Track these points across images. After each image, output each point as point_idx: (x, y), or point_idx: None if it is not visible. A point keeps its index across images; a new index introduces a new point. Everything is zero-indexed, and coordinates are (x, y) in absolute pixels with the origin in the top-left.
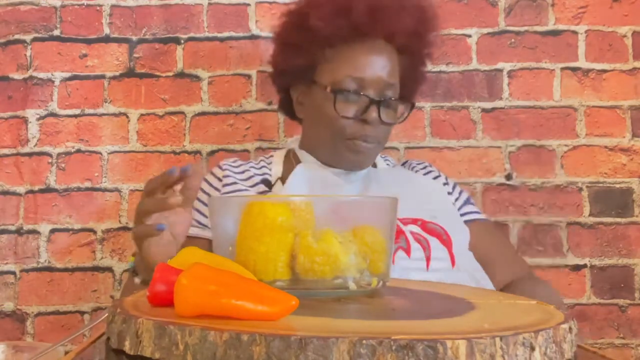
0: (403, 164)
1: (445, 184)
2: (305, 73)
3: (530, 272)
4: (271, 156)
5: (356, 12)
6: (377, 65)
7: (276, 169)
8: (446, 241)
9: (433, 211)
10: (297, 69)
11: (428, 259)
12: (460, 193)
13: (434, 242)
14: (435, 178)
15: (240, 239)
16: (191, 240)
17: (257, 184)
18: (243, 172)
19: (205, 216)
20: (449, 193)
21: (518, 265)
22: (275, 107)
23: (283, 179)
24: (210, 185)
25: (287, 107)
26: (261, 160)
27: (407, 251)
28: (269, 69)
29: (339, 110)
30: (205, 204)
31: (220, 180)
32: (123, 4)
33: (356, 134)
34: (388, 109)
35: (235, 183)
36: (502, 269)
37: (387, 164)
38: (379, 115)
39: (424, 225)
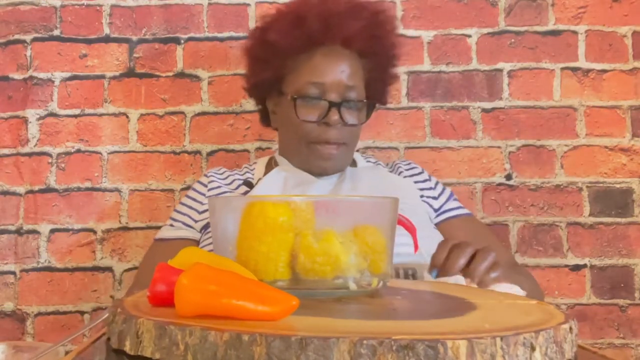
0: (387, 164)
1: (425, 180)
2: (274, 85)
3: (514, 263)
4: (255, 163)
5: (310, 22)
6: (336, 70)
7: (258, 172)
8: (410, 228)
9: (402, 207)
10: (266, 82)
11: None
12: (443, 190)
13: (398, 229)
14: (414, 175)
15: (240, 239)
16: (181, 243)
17: (239, 185)
18: (226, 177)
19: (192, 219)
20: (431, 188)
21: (501, 256)
22: None
23: None
24: (197, 191)
25: (266, 118)
26: (245, 167)
27: None
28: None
29: (300, 115)
30: (192, 208)
31: (205, 186)
32: (123, 4)
33: (319, 138)
34: (350, 111)
35: (219, 187)
36: None
37: (368, 163)
38: (341, 117)
39: None
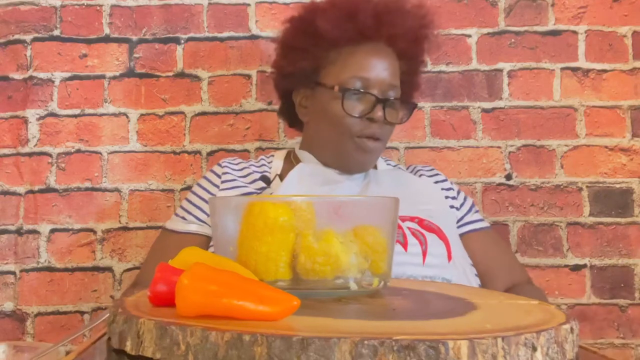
0: (407, 167)
1: (449, 188)
2: (309, 76)
3: (528, 278)
4: (272, 155)
5: (362, 16)
6: (381, 67)
7: (276, 166)
8: (443, 237)
9: (430, 211)
10: (301, 72)
11: (424, 254)
12: (465, 199)
13: (431, 237)
14: (438, 182)
15: (241, 239)
16: (192, 238)
17: (255, 180)
18: (242, 169)
19: (205, 213)
20: (454, 198)
21: (517, 272)
22: (275, 107)
23: (282, 176)
24: (210, 181)
25: (288, 112)
26: (261, 159)
27: (404, 245)
28: (269, 69)
29: (346, 109)
30: (204, 200)
31: (219, 177)
32: (123, 4)
33: (363, 132)
34: (391, 109)
35: (234, 180)
36: (504, 275)
37: (388, 165)
38: (384, 115)
39: (421, 222)
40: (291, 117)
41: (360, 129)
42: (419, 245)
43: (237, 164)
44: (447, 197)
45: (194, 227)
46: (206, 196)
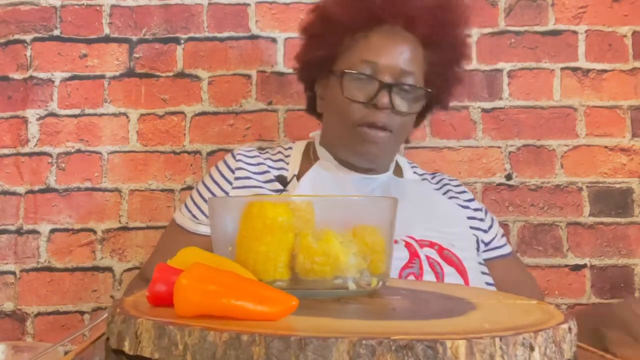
0: (434, 176)
1: (477, 209)
2: (327, 64)
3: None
4: (290, 148)
5: None
6: (394, 51)
7: (294, 164)
8: (462, 271)
9: (451, 239)
10: (318, 60)
11: None
12: (492, 221)
13: (448, 269)
14: (467, 200)
15: (240, 239)
16: (201, 239)
17: (271, 180)
18: (258, 164)
19: None
20: (481, 220)
21: (536, 295)
22: (275, 107)
23: (299, 175)
24: (222, 176)
25: (313, 106)
26: (279, 152)
27: (419, 277)
28: (269, 69)
29: (346, 94)
30: (214, 194)
31: (232, 172)
32: (123, 4)
33: (364, 119)
34: (402, 97)
35: (248, 178)
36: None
37: (415, 174)
38: (391, 102)
39: (440, 251)
40: (316, 111)
41: (362, 116)
42: (435, 277)
43: (252, 157)
44: (471, 218)
45: (203, 229)
46: (217, 191)
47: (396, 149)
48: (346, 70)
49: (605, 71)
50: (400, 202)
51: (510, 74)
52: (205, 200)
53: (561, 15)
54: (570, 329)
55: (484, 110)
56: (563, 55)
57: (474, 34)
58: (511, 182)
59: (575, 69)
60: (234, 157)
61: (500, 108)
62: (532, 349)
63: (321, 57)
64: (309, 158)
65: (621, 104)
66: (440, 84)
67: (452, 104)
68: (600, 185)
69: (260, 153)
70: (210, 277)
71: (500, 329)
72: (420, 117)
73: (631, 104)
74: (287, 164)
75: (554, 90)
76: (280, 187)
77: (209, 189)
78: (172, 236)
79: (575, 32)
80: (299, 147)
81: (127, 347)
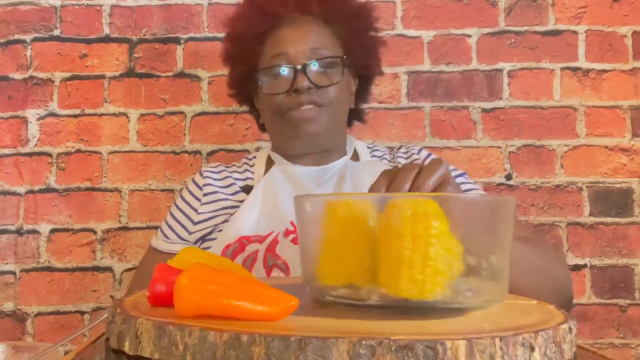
0: (399, 148)
1: (416, 158)
2: (251, 77)
3: (530, 236)
4: (254, 157)
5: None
6: (299, 36)
7: (258, 172)
8: None
9: None
10: (242, 77)
11: None
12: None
13: None
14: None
15: (327, 239)
16: (171, 256)
17: (237, 192)
18: (224, 178)
19: (187, 230)
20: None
21: (521, 230)
22: None
23: None
24: (191, 194)
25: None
26: (244, 163)
27: None
28: None
29: (267, 90)
30: (187, 215)
31: (200, 189)
32: (123, 4)
33: (290, 105)
34: (320, 72)
35: (215, 192)
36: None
37: (375, 155)
38: (310, 81)
39: None
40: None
41: (287, 104)
42: None
43: (218, 172)
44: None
45: (175, 247)
46: (188, 211)
47: (337, 125)
48: (261, 69)
49: (605, 71)
50: (356, 184)
51: (510, 74)
52: (177, 221)
53: (561, 15)
54: (570, 329)
55: (484, 110)
56: (563, 55)
57: (474, 34)
58: (511, 182)
59: (575, 69)
60: (201, 175)
61: (500, 108)
62: (532, 349)
63: (243, 72)
64: (271, 163)
65: (621, 104)
66: (359, 51)
67: (451, 103)
68: (600, 185)
69: (227, 167)
70: (210, 277)
71: (501, 329)
72: (362, 91)
73: (631, 104)
74: (253, 172)
75: (554, 90)
76: (245, 197)
77: (180, 209)
78: (147, 260)
79: (575, 32)
80: (262, 154)
81: (127, 347)
